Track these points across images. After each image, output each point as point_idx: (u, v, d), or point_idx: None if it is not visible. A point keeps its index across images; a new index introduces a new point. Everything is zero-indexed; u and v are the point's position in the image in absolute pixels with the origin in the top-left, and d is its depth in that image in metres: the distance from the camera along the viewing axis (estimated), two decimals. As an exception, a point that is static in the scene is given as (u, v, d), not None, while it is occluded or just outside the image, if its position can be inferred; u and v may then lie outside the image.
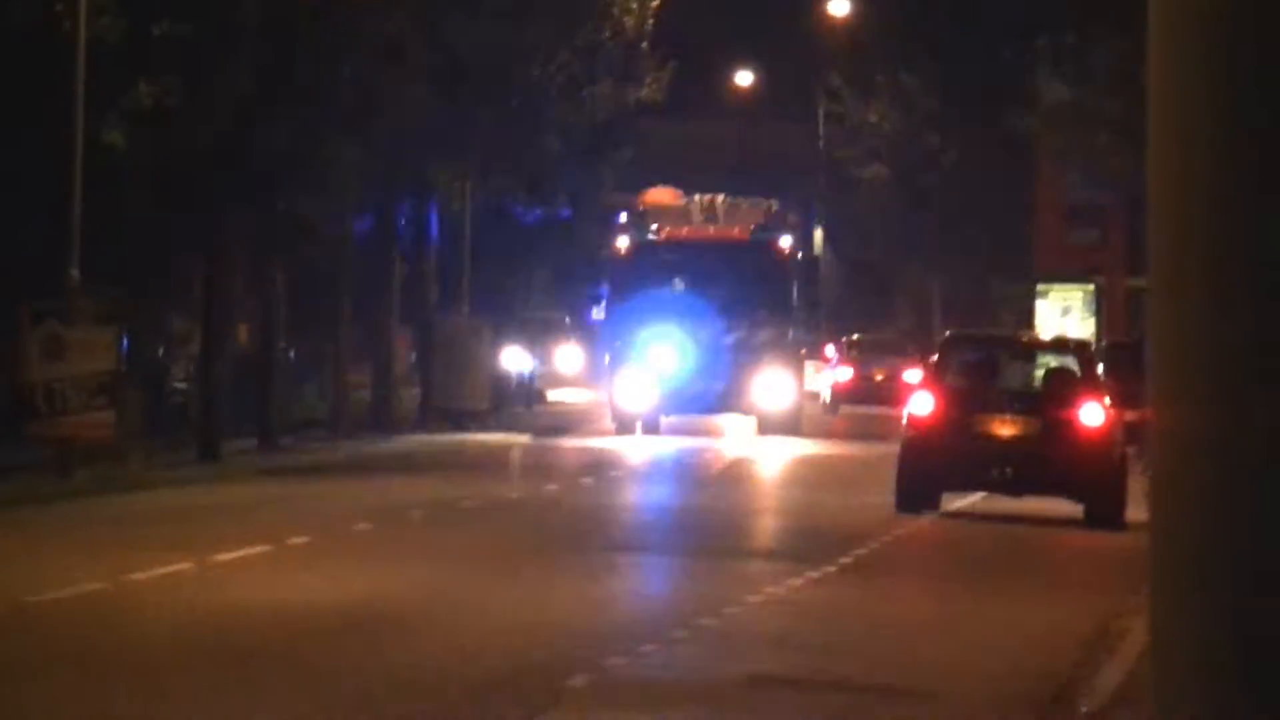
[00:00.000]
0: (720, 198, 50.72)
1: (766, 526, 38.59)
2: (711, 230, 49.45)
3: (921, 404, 39.93)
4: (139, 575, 25.97)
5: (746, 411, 47.39)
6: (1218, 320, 4.96)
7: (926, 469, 38.81)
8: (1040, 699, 19.67)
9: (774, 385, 46.70)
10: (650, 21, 65.62)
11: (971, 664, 21.81)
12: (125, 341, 44.08)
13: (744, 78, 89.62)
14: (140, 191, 47.33)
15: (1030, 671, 21.35)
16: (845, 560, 31.46)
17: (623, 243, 49.86)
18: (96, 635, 22.31)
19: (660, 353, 46.41)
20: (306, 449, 44.02)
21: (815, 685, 20.42)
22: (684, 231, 49.43)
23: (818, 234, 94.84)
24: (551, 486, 39.64)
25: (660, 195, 50.89)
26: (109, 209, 45.18)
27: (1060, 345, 47.98)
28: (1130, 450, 38.31)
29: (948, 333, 47.97)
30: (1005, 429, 39.06)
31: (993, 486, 38.97)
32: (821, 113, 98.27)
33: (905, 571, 30.95)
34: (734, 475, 42.41)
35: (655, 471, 40.03)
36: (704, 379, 46.77)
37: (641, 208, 51.10)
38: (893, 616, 25.92)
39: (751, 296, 48.13)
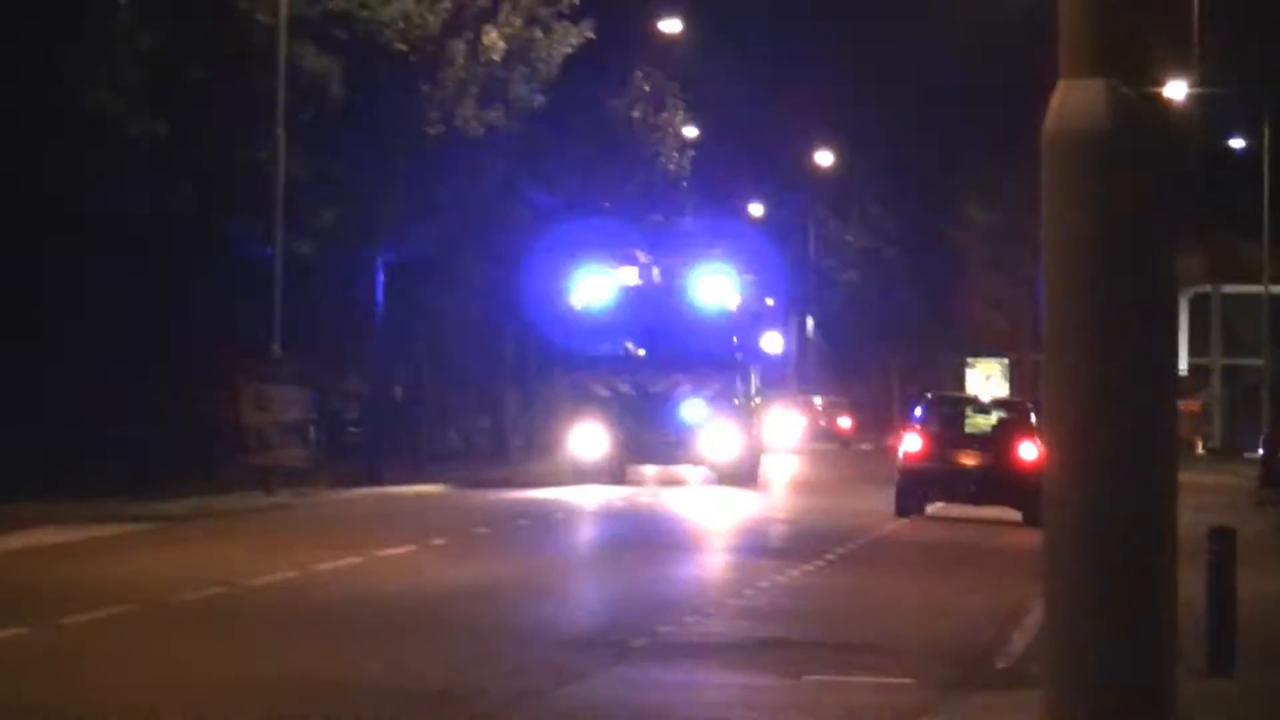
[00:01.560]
0: (666, 259, 46.35)
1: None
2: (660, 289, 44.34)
3: (912, 443, 41.08)
4: (324, 566, 26.01)
5: (703, 462, 42.61)
6: (1082, 379, 5.01)
7: (916, 486, 40.21)
8: (966, 656, 19.48)
9: (727, 439, 42.13)
10: (688, 168, 65.66)
11: (920, 630, 21.59)
12: (315, 395, 44.15)
13: (756, 209, 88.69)
14: (326, 291, 47.32)
15: (961, 637, 21.24)
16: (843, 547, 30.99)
17: (575, 292, 45.64)
18: (297, 606, 22.51)
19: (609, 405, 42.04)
20: (443, 475, 42.78)
21: (806, 644, 20.37)
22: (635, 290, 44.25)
23: (809, 321, 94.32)
24: (619, 502, 38.29)
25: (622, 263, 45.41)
26: (303, 302, 45.08)
27: (1006, 403, 48.02)
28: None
29: (928, 394, 48.00)
30: (969, 460, 40.37)
31: (961, 499, 39.91)
32: (811, 236, 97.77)
33: (889, 561, 30.59)
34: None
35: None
36: (659, 430, 42.04)
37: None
38: (871, 593, 25.69)
39: (705, 353, 43.20)
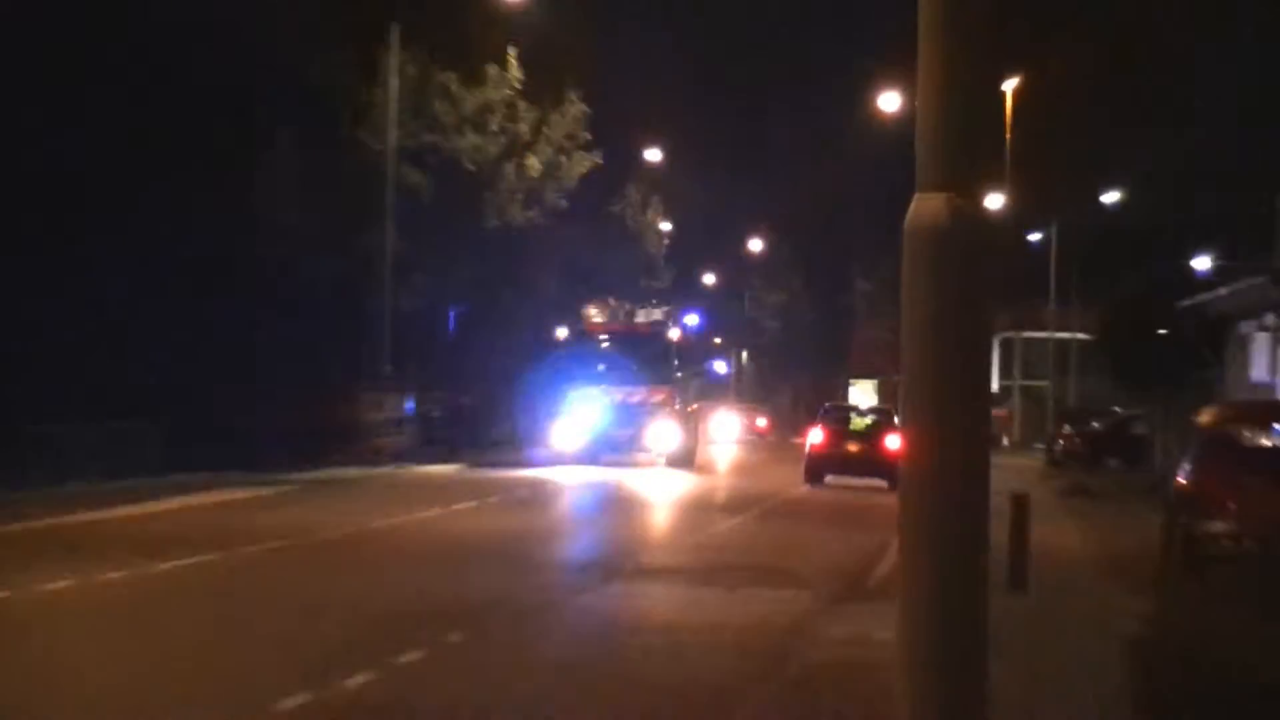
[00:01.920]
0: (630, 306, 45.34)
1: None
2: (621, 325, 43.24)
3: (816, 436, 40.24)
4: (417, 515, 26.03)
5: (651, 454, 41.29)
6: (927, 394, 5.01)
7: (818, 465, 39.46)
8: (847, 578, 19.23)
9: (667, 434, 41.09)
10: (663, 249, 65.91)
11: (816, 561, 21.38)
12: (411, 400, 44.12)
13: (709, 278, 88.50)
14: (418, 329, 47.25)
15: (844, 565, 21.01)
16: (764, 505, 30.91)
17: (562, 332, 44.60)
18: (401, 541, 22.66)
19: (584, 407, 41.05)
20: (500, 457, 42.21)
21: (739, 569, 20.18)
22: (604, 323, 43.32)
23: (744, 353, 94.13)
24: (596, 479, 37.56)
25: (597, 305, 44.77)
26: (403, 337, 45.00)
27: (877, 409, 46.61)
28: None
29: (826, 404, 47.81)
30: (853, 447, 39.45)
31: (847, 473, 38.93)
32: (747, 296, 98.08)
33: (795, 515, 29.86)
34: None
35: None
36: (620, 428, 41.03)
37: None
38: (782, 538, 25.26)
39: (652, 371, 42.00)
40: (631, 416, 41.16)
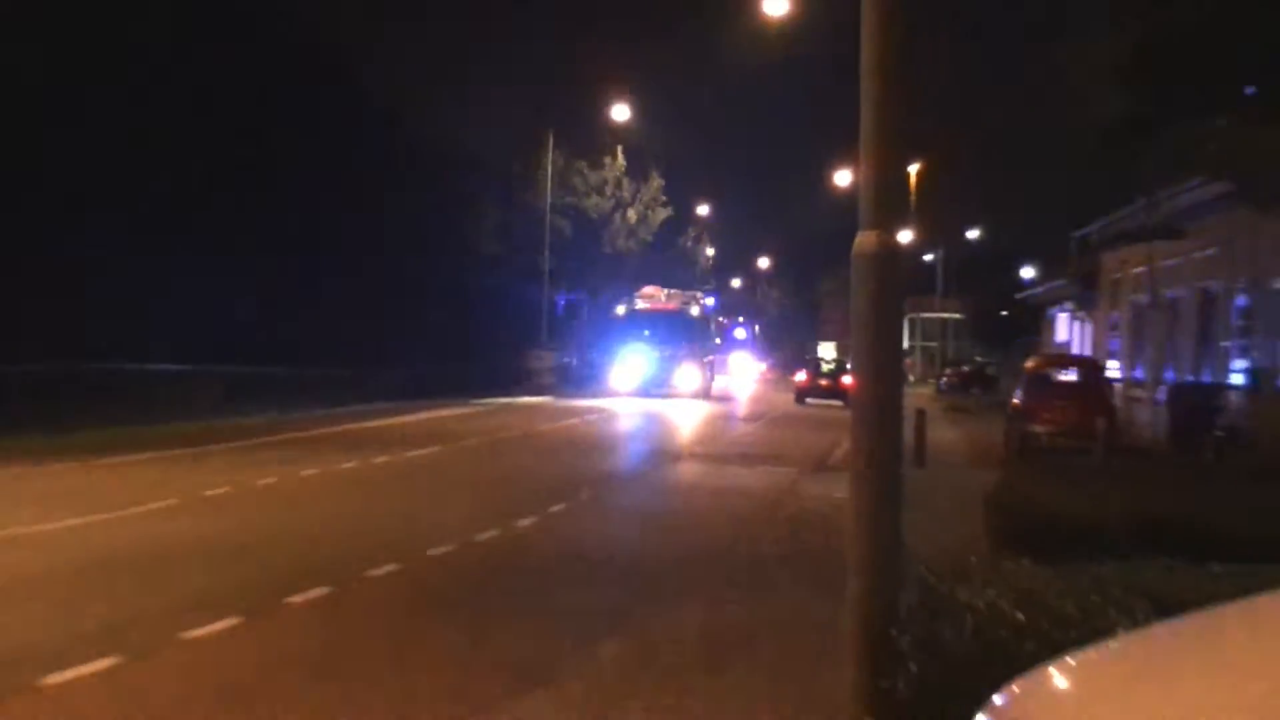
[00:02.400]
0: (670, 291, 42.46)
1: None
2: (664, 304, 40.34)
3: (800, 375, 40.13)
4: (551, 425, 25.43)
5: (679, 390, 37.96)
6: (865, 352, 4.85)
7: (802, 393, 38.65)
8: (817, 459, 18.96)
9: (691, 377, 38.17)
10: (710, 262, 65.55)
11: (798, 450, 20.87)
12: (556, 356, 43.44)
13: (736, 281, 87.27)
14: (554, 314, 46.00)
15: (816, 451, 20.35)
16: (768, 418, 30.62)
17: (620, 309, 40.99)
18: (543, 441, 21.77)
19: (636, 358, 37.89)
20: (589, 391, 39.67)
21: (753, 455, 19.80)
22: (649, 305, 40.24)
23: (756, 327, 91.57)
24: (645, 407, 36.17)
25: (649, 290, 41.80)
26: (550, 320, 44.27)
27: (836, 360, 44.50)
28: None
29: (806, 357, 47.51)
30: (823, 382, 38.70)
31: (819, 398, 37.72)
32: (759, 291, 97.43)
33: (787, 423, 29.27)
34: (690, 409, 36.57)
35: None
36: (659, 373, 37.92)
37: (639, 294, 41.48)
38: (779, 437, 24.72)
39: (681, 335, 38.91)
40: (665, 365, 38.79)
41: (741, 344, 73.99)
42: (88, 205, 25.98)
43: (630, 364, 38.68)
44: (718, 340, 48.31)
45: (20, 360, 21.11)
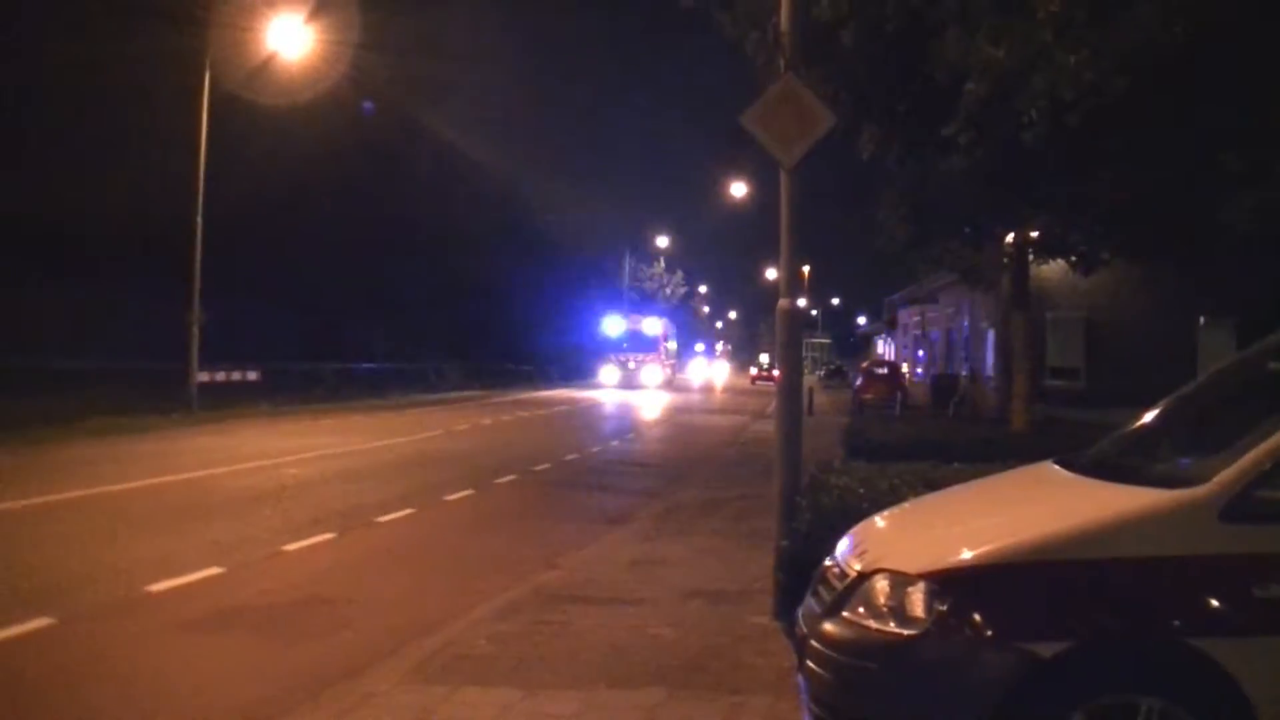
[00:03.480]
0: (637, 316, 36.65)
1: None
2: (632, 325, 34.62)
3: (753, 370, 39.61)
4: (585, 394, 24.39)
5: (647, 385, 32.80)
6: (783, 355, 4.76)
7: (754, 380, 38.03)
8: (759, 413, 18.58)
9: (655, 376, 33.36)
10: (704, 310, 65.59)
11: (751, 408, 20.22)
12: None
13: (705, 308, 76.19)
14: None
15: (758, 409, 19.17)
16: (734, 390, 30.33)
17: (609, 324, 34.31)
18: (586, 410, 20.06)
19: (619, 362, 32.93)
20: (592, 383, 33.28)
21: (721, 410, 19.58)
22: (625, 325, 34.44)
23: (721, 342, 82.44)
24: (622, 397, 29.65)
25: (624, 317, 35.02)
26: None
27: (771, 363, 36.28)
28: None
29: (754, 361, 45.60)
30: (764, 374, 37.66)
31: (763, 382, 36.23)
32: (722, 319, 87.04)
33: (744, 394, 28.42)
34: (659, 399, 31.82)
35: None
36: (632, 373, 32.99)
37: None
38: (739, 401, 24.22)
39: (649, 345, 33.88)
40: (638, 367, 33.98)
41: (713, 354, 71.75)
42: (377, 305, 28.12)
43: (612, 365, 33.95)
44: (675, 352, 42.69)
45: (304, 361, 22.24)
